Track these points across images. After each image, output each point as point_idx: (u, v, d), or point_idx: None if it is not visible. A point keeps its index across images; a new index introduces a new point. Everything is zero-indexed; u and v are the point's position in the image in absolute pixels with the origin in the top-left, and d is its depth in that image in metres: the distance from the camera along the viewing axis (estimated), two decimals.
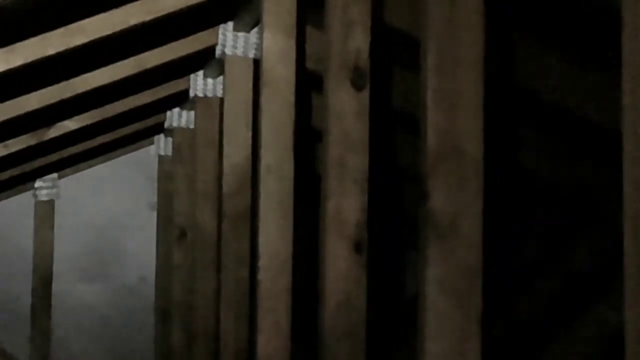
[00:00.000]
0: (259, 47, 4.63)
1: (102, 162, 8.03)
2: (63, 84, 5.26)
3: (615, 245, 1.84)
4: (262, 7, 4.44)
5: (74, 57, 4.60)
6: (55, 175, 7.97)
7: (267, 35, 4.44)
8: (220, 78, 5.57)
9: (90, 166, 8.03)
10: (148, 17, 4.50)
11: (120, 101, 6.17)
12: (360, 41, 3.54)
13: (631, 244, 1.76)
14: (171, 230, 7.18)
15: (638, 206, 1.74)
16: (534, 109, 4.71)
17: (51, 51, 4.40)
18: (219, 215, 5.51)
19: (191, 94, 6.12)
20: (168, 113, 6.95)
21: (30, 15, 4.05)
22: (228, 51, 5.24)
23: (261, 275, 4.40)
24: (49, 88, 5.25)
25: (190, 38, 5.37)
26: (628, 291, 1.77)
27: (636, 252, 1.74)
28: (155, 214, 7.95)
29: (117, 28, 4.47)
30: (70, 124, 6.25)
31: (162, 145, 7.58)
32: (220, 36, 5.28)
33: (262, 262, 4.42)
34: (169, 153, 7.39)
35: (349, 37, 3.54)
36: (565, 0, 3.65)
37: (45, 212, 8.09)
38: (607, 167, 1.95)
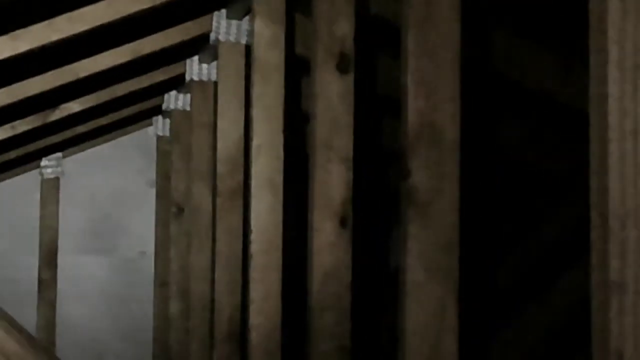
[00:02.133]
0: (251, 34, 4.63)
1: (104, 142, 8.03)
2: (66, 67, 5.25)
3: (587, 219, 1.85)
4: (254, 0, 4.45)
5: (76, 43, 4.59)
6: (59, 154, 7.97)
7: (258, 22, 4.44)
8: (214, 63, 5.57)
9: (93, 146, 8.02)
10: (146, 5, 4.49)
11: (121, 84, 6.17)
12: (345, 29, 3.54)
13: (597, 221, 1.76)
14: (169, 207, 7.19)
15: (603, 184, 1.74)
16: (511, 93, 4.71)
17: (54, 37, 4.40)
18: (214, 192, 5.51)
19: (187, 77, 6.13)
20: (165, 96, 6.95)
21: (34, 2, 4.04)
22: (221, 37, 5.23)
23: (253, 249, 4.41)
24: (53, 72, 5.24)
25: (185, 25, 5.36)
26: (594, 262, 1.77)
27: (602, 225, 1.75)
28: (154, 191, 7.95)
29: (117, 15, 4.46)
30: (73, 106, 6.25)
31: (160, 126, 7.58)
32: (214, 23, 5.27)
33: (254, 236, 4.42)
34: (167, 134, 7.39)
35: (335, 25, 3.54)
36: None
37: (51, 189, 8.09)
38: (579, 145, 1.95)
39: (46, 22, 4.35)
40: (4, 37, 4.32)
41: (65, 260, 8.12)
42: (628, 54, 1.74)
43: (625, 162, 1.73)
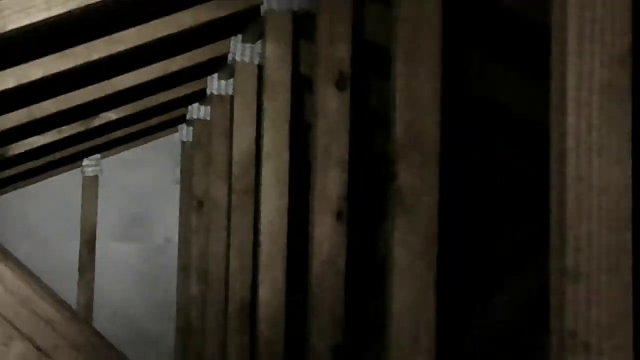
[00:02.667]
0: (262, 56, 4.63)
1: (137, 146, 8.03)
2: (105, 82, 5.25)
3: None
4: (265, 24, 4.44)
5: (113, 61, 4.60)
6: (99, 156, 7.98)
7: (268, 46, 4.44)
8: (231, 80, 5.57)
9: (128, 149, 8.03)
10: (173, 30, 4.49)
11: (151, 97, 6.17)
12: (343, 52, 3.54)
13: (556, 217, 1.76)
14: (191, 201, 7.19)
15: (561, 184, 1.74)
16: (484, 108, 4.71)
17: (95, 56, 4.40)
18: (229, 190, 5.51)
19: (208, 92, 6.14)
20: (189, 107, 6.96)
21: (79, 27, 4.04)
22: (238, 58, 5.24)
23: (262, 238, 4.41)
24: (94, 86, 5.25)
25: (207, 47, 5.36)
26: (553, 253, 1.77)
27: (560, 221, 1.75)
28: (178, 187, 7.96)
29: (149, 39, 4.46)
30: (111, 115, 6.26)
31: (184, 133, 7.59)
32: (232, 46, 5.28)
33: (263, 227, 4.43)
34: (190, 140, 7.39)
35: (334, 49, 3.54)
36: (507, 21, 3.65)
37: (91, 186, 8.10)
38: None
39: (89, 43, 4.35)
40: (55, 56, 4.32)
41: (102, 246, 8.13)
42: (585, 78, 1.74)
43: (581, 165, 1.73)
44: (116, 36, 4.39)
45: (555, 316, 1.75)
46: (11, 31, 3.30)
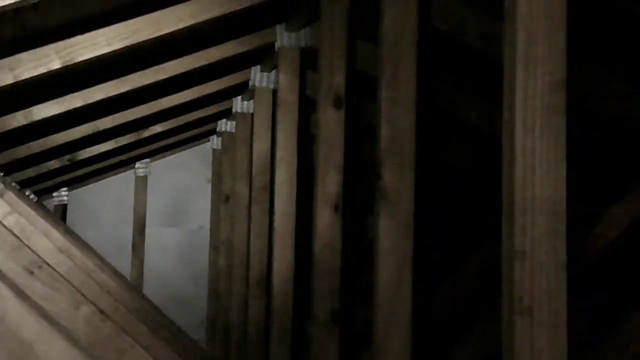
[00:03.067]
0: (277, 82, 4.62)
1: (177, 152, 8.05)
2: (153, 102, 5.26)
3: None
4: (279, 57, 4.44)
5: (159, 86, 4.59)
6: (148, 160, 8.00)
7: (281, 74, 4.43)
8: (252, 101, 5.56)
9: (170, 154, 8.05)
10: (204, 62, 4.50)
11: (189, 114, 6.18)
12: (339, 79, 3.52)
13: (507, 205, 1.76)
14: (219, 196, 7.20)
15: (510, 178, 1.73)
16: (453, 123, 4.71)
17: (145, 82, 4.40)
18: (250, 187, 5.50)
19: (233, 110, 6.14)
20: (219, 122, 6.98)
21: (132, 60, 4.04)
22: (257, 84, 5.24)
23: (275, 225, 4.40)
24: (144, 105, 5.24)
25: (232, 75, 5.37)
26: (504, 235, 1.77)
27: (509, 210, 1.74)
28: (210, 185, 7.98)
29: (185, 68, 4.47)
30: (157, 128, 6.27)
31: (215, 142, 7.61)
32: (252, 74, 5.28)
33: (276, 216, 4.42)
34: (219, 147, 7.40)
35: (333, 77, 3.52)
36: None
37: (141, 183, 8.12)
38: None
39: (140, 72, 4.35)
40: (113, 81, 4.32)
41: (150, 231, 8.15)
42: (529, 99, 1.74)
43: (526, 168, 1.73)
44: (161, 66, 4.39)
45: (506, 285, 1.75)
46: (79, 62, 3.30)
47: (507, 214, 1.76)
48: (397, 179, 2.70)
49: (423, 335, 3.16)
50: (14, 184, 5.33)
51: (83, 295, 1.50)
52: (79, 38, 3.29)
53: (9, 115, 4.16)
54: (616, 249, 3.97)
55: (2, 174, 4.75)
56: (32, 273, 1.43)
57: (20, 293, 0.73)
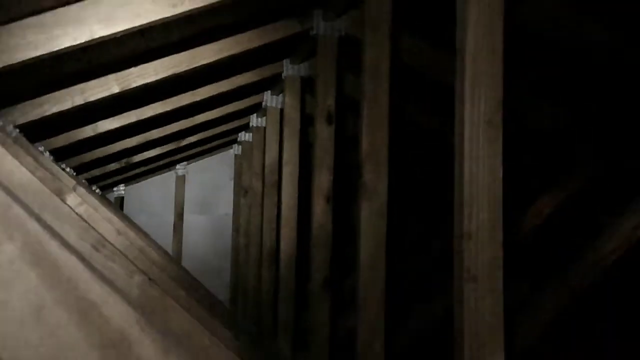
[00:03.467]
0: (283, 103, 4.62)
1: (208, 157, 8.03)
2: (189, 119, 5.25)
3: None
4: (285, 85, 4.44)
5: (193, 106, 4.59)
6: (185, 162, 7.98)
7: (287, 97, 4.43)
8: (264, 117, 5.56)
9: (203, 158, 8.03)
10: (229, 88, 4.50)
11: (217, 127, 6.18)
12: (330, 101, 3.52)
13: (457, 200, 1.76)
14: (240, 190, 7.19)
15: (460, 179, 1.74)
16: (418, 132, 4.71)
17: (183, 103, 4.39)
18: (263, 184, 5.50)
19: (250, 125, 6.15)
20: (239, 133, 6.97)
21: (174, 85, 4.04)
22: (268, 104, 5.24)
23: (282, 212, 4.40)
24: (182, 121, 5.24)
25: (249, 98, 5.37)
26: (455, 221, 1.77)
27: (459, 202, 1.74)
28: (232, 182, 7.97)
29: (214, 93, 4.46)
30: (192, 139, 6.25)
31: (236, 149, 7.60)
32: (264, 98, 5.29)
33: (283, 206, 4.42)
34: (240, 153, 7.40)
35: (326, 99, 3.53)
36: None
37: (180, 181, 8.10)
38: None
39: (179, 95, 4.35)
40: (159, 102, 4.31)
41: (187, 217, 8.14)
42: (475, 115, 1.74)
43: (472, 169, 1.73)
44: (195, 91, 4.38)
45: (457, 259, 1.75)
46: (134, 88, 3.30)
47: (457, 204, 1.76)
48: (374, 177, 2.70)
49: (395, 295, 3.17)
50: (83, 181, 5.33)
51: (136, 266, 1.51)
52: (133, 69, 3.30)
53: (80, 129, 4.16)
54: (542, 232, 3.99)
55: (75, 173, 4.75)
56: (97, 249, 1.44)
57: (88, 264, 0.74)
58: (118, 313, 0.72)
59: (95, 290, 0.71)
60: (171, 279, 2.50)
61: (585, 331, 4.96)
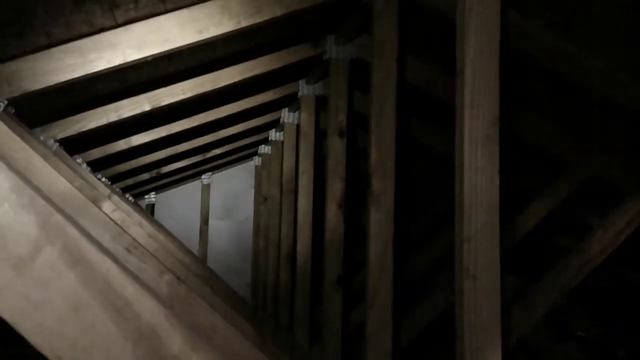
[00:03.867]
0: (299, 119, 4.63)
1: (231, 167, 8.05)
2: (213, 133, 5.26)
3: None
4: (300, 102, 4.44)
5: (218, 122, 4.60)
6: (210, 173, 8.00)
7: (303, 114, 4.43)
8: (282, 132, 5.56)
9: (226, 169, 8.05)
10: (250, 105, 4.51)
11: (239, 140, 6.19)
12: (342, 117, 3.52)
13: (458, 205, 1.75)
14: (260, 197, 7.19)
15: (460, 184, 1.72)
16: (419, 148, 4.70)
17: (208, 119, 4.40)
18: (281, 191, 5.50)
19: (270, 139, 6.16)
20: (260, 146, 6.99)
21: (199, 103, 4.05)
22: (286, 120, 5.24)
23: (298, 217, 4.40)
24: (207, 135, 5.25)
25: (269, 114, 5.38)
26: (456, 226, 1.76)
27: (460, 204, 1.73)
28: (253, 190, 7.98)
29: (235, 111, 4.47)
30: (216, 151, 6.26)
31: (257, 160, 7.61)
32: (282, 115, 5.29)
33: (299, 212, 4.41)
34: (260, 164, 7.40)
35: (338, 115, 3.52)
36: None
37: (206, 189, 8.12)
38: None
39: (204, 112, 4.36)
40: (186, 119, 4.32)
41: (212, 222, 8.15)
42: (474, 130, 1.74)
43: (471, 178, 1.73)
44: (220, 108, 4.40)
45: (458, 259, 1.74)
46: (163, 106, 3.31)
47: (458, 210, 1.75)
48: (382, 185, 2.69)
49: (401, 292, 3.15)
50: (118, 189, 5.35)
51: (165, 266, 1.51)
52: (162, 89, 3.31)
53: (114, 142, 4.18)
54: (535, 235, 3.96)
55: (110, 182, 4.76)
56: (129, 251, 1.44)
57: (121, 265, 0.74)
58: (149, 309, 0.72)
59: (128, 288, 0.70)
60: (197, 278, 2.50)
61: (573, 325, 4.92)
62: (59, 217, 0.69)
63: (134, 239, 1.70)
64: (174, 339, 0.72)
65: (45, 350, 0.67)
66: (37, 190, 0.71)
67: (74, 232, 0.70)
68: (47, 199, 0.69)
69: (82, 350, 0.68)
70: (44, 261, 0.69)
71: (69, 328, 0.69)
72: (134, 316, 0.70)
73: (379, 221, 2.69)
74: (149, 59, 2.26)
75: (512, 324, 3.11)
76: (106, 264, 0.72)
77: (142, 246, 1.68)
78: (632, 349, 4.31)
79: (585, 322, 4.88)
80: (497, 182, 1.72)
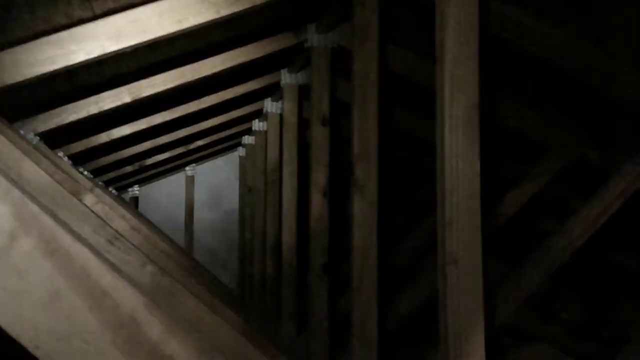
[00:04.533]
0: (282, 108, 4.62)
1: (215, 158, 8.04)
2: (196, 125, 5.25)
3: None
4: (283, 92, 4.43)
5: (200, 113, 4.59)
6: (194, 164, 7.98)
7: (285, 103, 4.43)
8: (266, 122, 5.55)
9: (210, 160, 8.03)
10: (233, 95, 4.50)
11: (222, 132, 6.18)
12: (325, 105, 3.52)
13: (440, 191, 1.76)
14: (245, 188, 7.19)
15: (442, 169, 1.73)
16: (401, 136, 4.71)
17: (190, 110, 4.40)
18: (265, 181, 5.50)
19: (253, 128, 6.15)
20: (244, 137, 6.98)
21: (181, 95, 4.04)
22: (269, 110, 5.23)
23: (283, 207, 4.40)
24: (190, 127, 5.24)
25: (252, 104, 5.37)
26: (438, 210, 1.77)
27: (441, 192, 1.74)
28: (238, 181, 7.97)
29: (218, 101, 4.46)
30: (200, 142, 6.25)
31: (241, 151, 7.59)
32: (265, 104, 5.28)
33: (284, 201, 4.41)
34: (244, 155, 7.39)
35: (321, 104, 3.52)
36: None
37: (190, 181, 8.11)
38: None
39: (186, 104, 4.35)
40: (168, 110, 4.31)
41: (197, 213, 8.15)
42: (454, 116, 1.74)
43: (452, 163, 1.73)
44: (201, 99, 4.39)
45: (440, 244, 1.75)
46: (144, 97, 3.30)
47: (439, 195, 1.76)
48: (365, 174, 2.70)
49: (386, 279, 3.17)
50: (100, 183, 5.33)
51: (148, 257, 1.51)
52: (143, 81, 3.30)
53: (96, 135, 4.16)
54: (519, 219, 3.99)
55: (92, 176, 4.74)
56: (112, 243, 1.44)
57: (100, 255, 0.74)
58: (127, 297, 0.72)
59: (106, 277, 0.71)
60: (182, 269, 2.51)
61: (556, 308, 4.96)
62: (34, 208, 0.69)
63: (116, 231, 1.70)
64: (154, 326, 0.72)
65: (23, 340, 0.68)
66: (13, 181, 0.71)
67: (50, 222, 0.70)
68: (23, 190, 0.69)
69: (60, 339, 0.68)
70: (20, 251, 0.70)
71: (47, 317, 0.69)
72: (113, 305, 0.71)
73: (363, 209, 2.70)
74: (128, 49, 2.25)
75: (496, 307, 3.14)
76: (84, 253, 0.72)
77: (125, 238, 1.68)
78: (615, 330, 4.36)
79: (569, 304, 4.93)
80: (478, 166, 1.73)
